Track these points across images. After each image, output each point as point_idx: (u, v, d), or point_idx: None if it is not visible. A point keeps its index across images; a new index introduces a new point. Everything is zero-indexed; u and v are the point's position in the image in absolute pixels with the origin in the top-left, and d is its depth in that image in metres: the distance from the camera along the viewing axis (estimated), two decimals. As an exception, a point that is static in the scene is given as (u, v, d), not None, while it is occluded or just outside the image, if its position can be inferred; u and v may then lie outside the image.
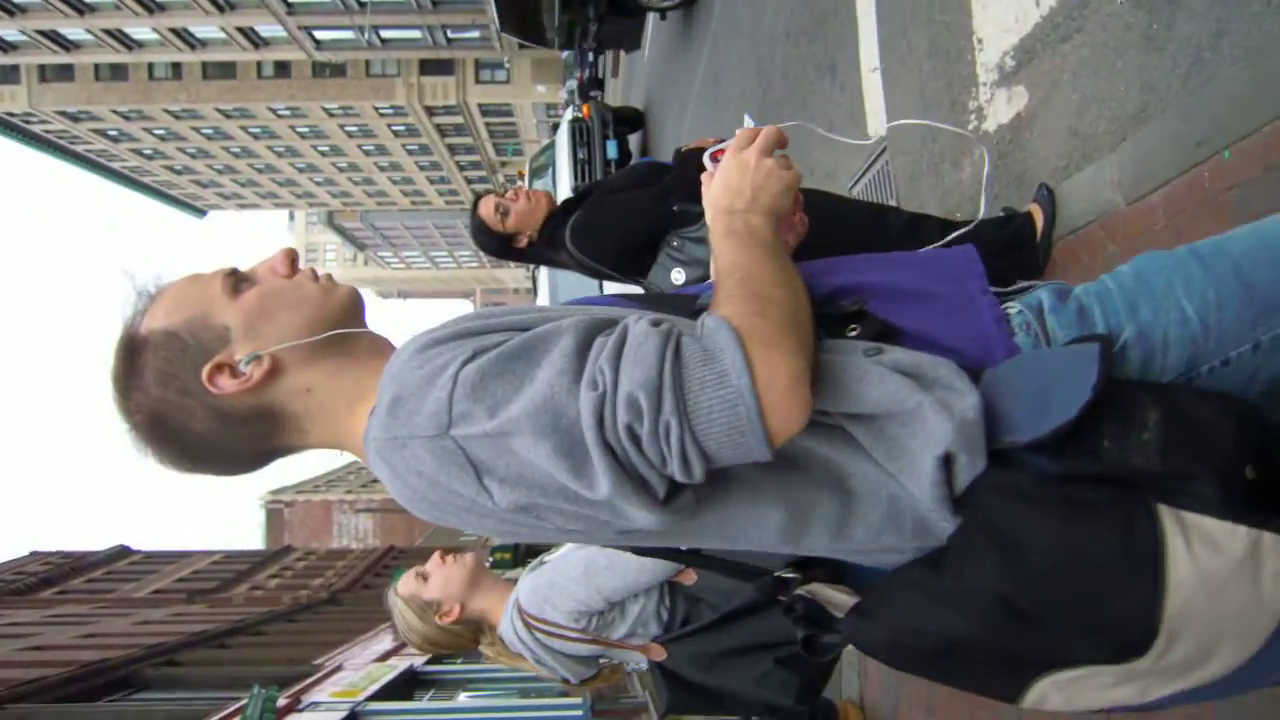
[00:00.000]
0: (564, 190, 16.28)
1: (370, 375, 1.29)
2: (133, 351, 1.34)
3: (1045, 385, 1.18)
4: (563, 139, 16.95)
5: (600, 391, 1.07)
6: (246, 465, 1.42)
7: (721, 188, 1.39)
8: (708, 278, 1.52)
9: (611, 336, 1.13)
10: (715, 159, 1.47)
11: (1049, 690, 1.18)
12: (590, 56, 21.35)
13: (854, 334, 1.31)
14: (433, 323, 1.37)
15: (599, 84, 22.72)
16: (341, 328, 1.36)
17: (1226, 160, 2.62)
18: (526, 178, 18.87)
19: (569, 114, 17.47)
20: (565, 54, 23.05)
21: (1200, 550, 1.06)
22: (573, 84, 23.52)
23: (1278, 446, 1.13)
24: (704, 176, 1.47)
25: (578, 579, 2.50)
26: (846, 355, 1.23)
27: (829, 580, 1.41)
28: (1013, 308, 1.38)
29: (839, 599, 1.36)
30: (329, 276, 1.43)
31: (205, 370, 1.31)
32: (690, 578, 2.51)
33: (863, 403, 1.18)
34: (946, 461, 1.16)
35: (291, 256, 1.43)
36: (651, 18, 16.41)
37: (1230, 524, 1.06)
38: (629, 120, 17.90)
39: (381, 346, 1.40)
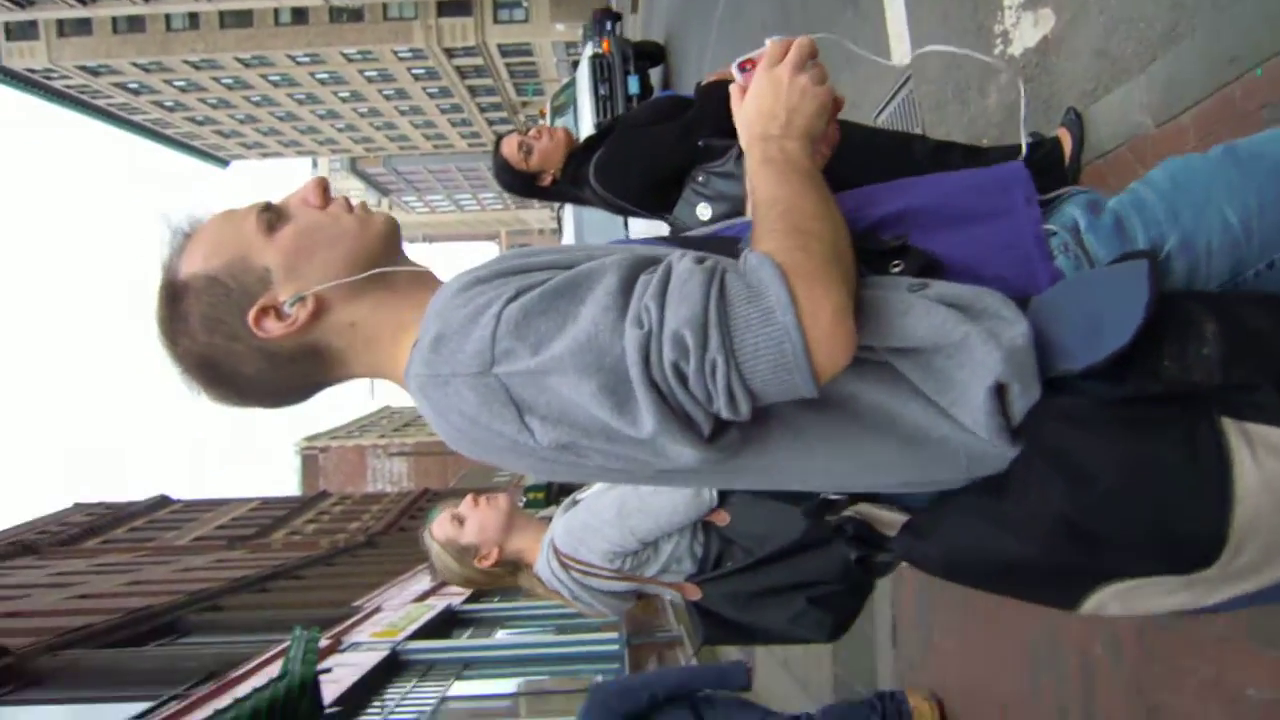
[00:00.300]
0: (586, 127, 16.04)
1: (413, 307, 1.29)
2: (175, 297, 1.33)
3: (1095, 308, 1.16)
4: (583, 76, 16.67)
5: (646, 329, 1.06)
6: (296, 398, 1.43)
7: (754, 110, 1.35)
8: (735, 213, 1.49)
9: (655, 274, 1.12)
10: (744, 68, 1.41)
11: (1107, 599, 1.18)
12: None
13: (897, 269, 1.28)
14: (460, 267, 1.36)
15: (615, 16, 22.32)
16: (380, 259, 1.35)
17: (1259, 77, 2.58)
18: (548, 116, 18.65)
19: (589, 50, 17.15)
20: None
21: (1266, 459, 1.06)
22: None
23: None
24: (733, 89, 1.42)
25: (611, 521, 2.52)
26: (890, 290, 1.20)
27: (873, 501, 1.41)
28: (1050, 229, 1.34)
29: (888, 517, 1.37)
30: (364, 205, 1.42)
31: (251, 314, 1.30)
32: (723, 518, 2.53)
33: (908, 336, 1.15)
34: (999, 392, 1.14)
35: (323, 186, 1.41)
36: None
37: None
38: (650, 55, 17.56)
39: (423, 278, 1.38)
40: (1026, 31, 3.86)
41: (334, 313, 1.33)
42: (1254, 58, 2.58)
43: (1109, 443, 1.11)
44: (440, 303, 1.20)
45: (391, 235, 1.39)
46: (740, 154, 3.57)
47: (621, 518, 2.51)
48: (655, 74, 18.09)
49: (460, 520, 2.72)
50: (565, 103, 17.92)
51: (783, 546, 2.39)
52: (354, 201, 1.41)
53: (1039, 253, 1.31)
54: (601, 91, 16.28)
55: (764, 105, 1.34)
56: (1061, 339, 1.16)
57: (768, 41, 1.38)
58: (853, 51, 1.54)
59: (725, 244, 1.35)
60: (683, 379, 1.06)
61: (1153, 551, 1.12)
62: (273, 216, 1.35)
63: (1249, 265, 1.25)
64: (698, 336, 1.05)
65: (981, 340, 1.13)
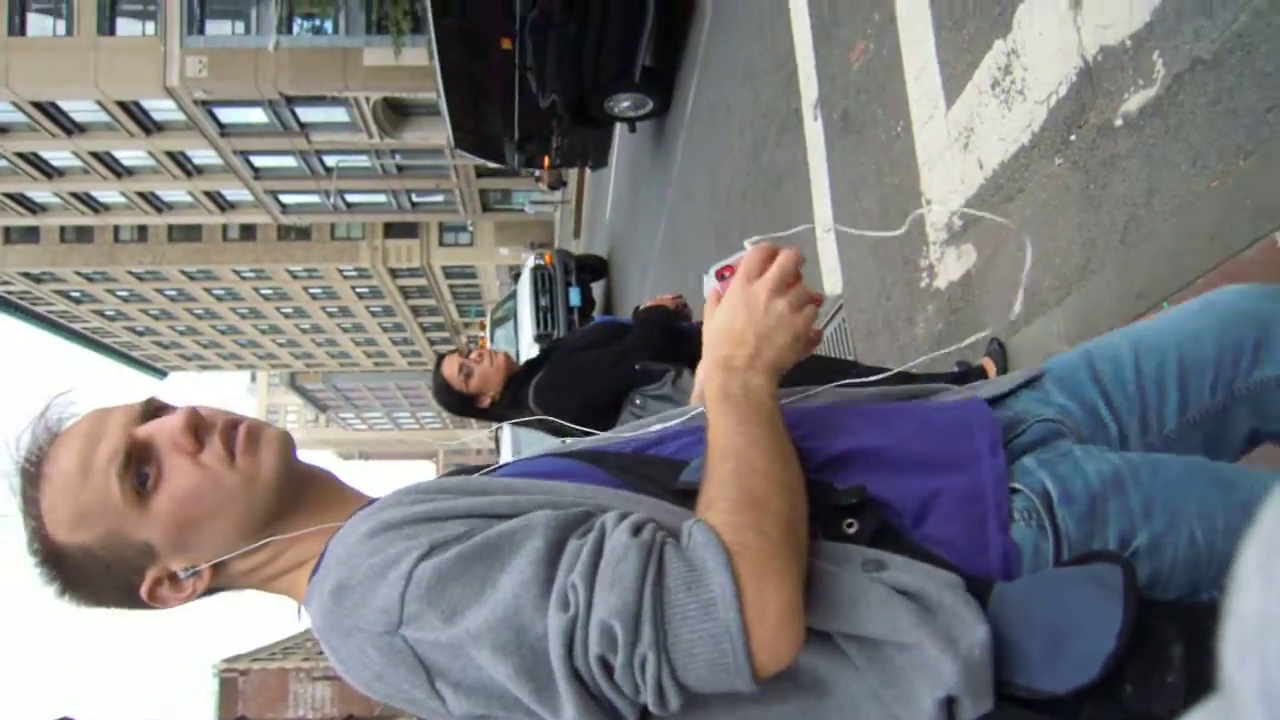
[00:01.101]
0: (526, 338, 16.09)
1: (315, 539, 1.22)
2: (54, 562, 1.22)
3: (1061, 621, 1.06)
4: (525, 287, 16.70)
5: (572, 614, 0.97)
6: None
7: (724, 329, 1.26)
8: None
9: (586, 544, 1.02)
10: (721, 275, 1.31)
11: None
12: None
13: (851, 529, 1.16)
14: (390, 487, 1.29)
15: (561, 183, 22.19)
16: (276, 513, 1.24)
17: (1166, 312, 2.70)
18: (488, 328, 18.50)
19: (531, 261, 17.16)
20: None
21: None
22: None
23: None
24: (709, 294, 1.33)
25: None
26: (843, 568, 1.10)
27: None
28: (1015, 488, 1.24)
29: None
30: (245, 442, 1.24)
31: (144, 590, 1.23)
32: None
33: (859, 626, 1.06)
34: (948, 704, 1.05)
35: (192, 424, 1.22)
36: (619, 130, 15.06)
37: None
38: (591, 268, 17.66)
39: (326, 501, 1.29)
40: (950, 265, 4.04)
41: (231, 566, 1.25)
42: (1160, 294, 2.72)
43: None
44: (345, 548, 1.10)
45: (285, 475, 1.25)
46: (677, 375, 3.67)
47: None
48: (597, 288, 18.19)
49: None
50: (506, 315, 17.93)
51: None
52: (236, 436, 1.24)
53: (996, 519, 1.20)
54: (543, 303, 16.31)
55: (735, 326, 1.25)
56: (1023, 648, 1.06)
57: (747, 245, 1.28)
58: (845, 228, 1.48)
59: (666, 471, 1.25)
60: (608, 671, 0.98)
61: None
62: (138, 474, 1.19)
63: (1204, 588, 1.18)
64: (628, 631, 0.96)
65: (937, 648, 1.03)
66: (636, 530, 1.03)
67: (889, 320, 4.73)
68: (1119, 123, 2.90)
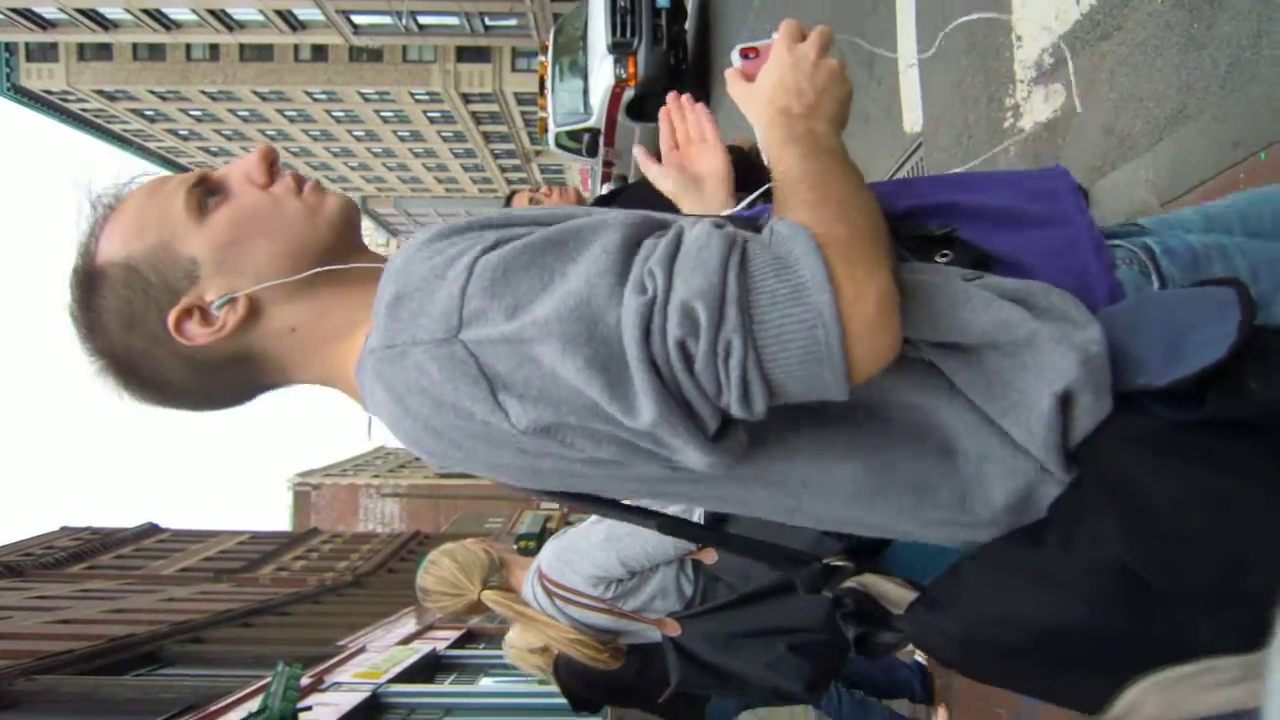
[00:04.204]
0: (598, 52, 14.00)
1: (364, 306, 1.07)
2: (89, 287, 1.16)
3: (1175, 326, 1.01)
4: None
5: (649, 296, 0.89)
6: (231, 403, 1.25)
7: (775, 84, 1.19)
8: None
9: (664, 237, 0.95)
10: (746, 55, 1.28)
11: (1148, 693, 0.98)
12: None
13: (945, 260, 1.13)
14: None
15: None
16: (330, 251, 1.16)
17: (1263, 161, 2.60)
18: (550, 58, 16.16)
19: None
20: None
21: None
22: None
23: None
24: (730, 74, 1.29)
25: (599, 544, 2.51)
26: (941, 277, 1.05)
27: (877, 571, 1.25)
28: (1113, 241, 1.22)
29: (895, 592, 1.20)
30: (316, 185, 1.21)
31: (171, 317, 1.12)
32: (711, 556, 2.51)
33: (965, 331, 1.00)
34: (1064, 402, 0.99)
35: (269, 159, 1.20)
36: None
37: None
38: None
39: (375, 273, 1.13)
40: (1037, 105, 3.90)
41: (270, 315, 1.15)
42: (1258, 142, 2.60)
43: (1183, 472, 0.95)
44: (402, 258, 1.01)
45: (345, 224, 1.20)
46: (752, 204, 3.63)
47: (610, 541, 2.51)
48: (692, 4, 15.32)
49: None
50: (573, 38, 15.30)
51: (767, 585, 2.37)
52: (306, 180, 1.21)
53: (1098, 262, 1.17)
54: (622, 3, 13.44)
55: (787, 81, 1.19)
56: (1138, 350, 1.01)
57: (774, 35, 1.26)
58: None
59: (744, 223, 1.14)
60: (688, 361, 0.89)
61: (1220, 610, 0.93)
62: (206, 192, 1.16)
63: None
64: (712, 311, 0.88)
65: (1053, 340, 0.99)
66: (718, 225, 0.97)
67: (967, 160, 4.60)
68: (1230, -44, 2.72)
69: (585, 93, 15.08)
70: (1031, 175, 1.31)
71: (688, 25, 14.87)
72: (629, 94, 13.95)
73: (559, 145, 16.39)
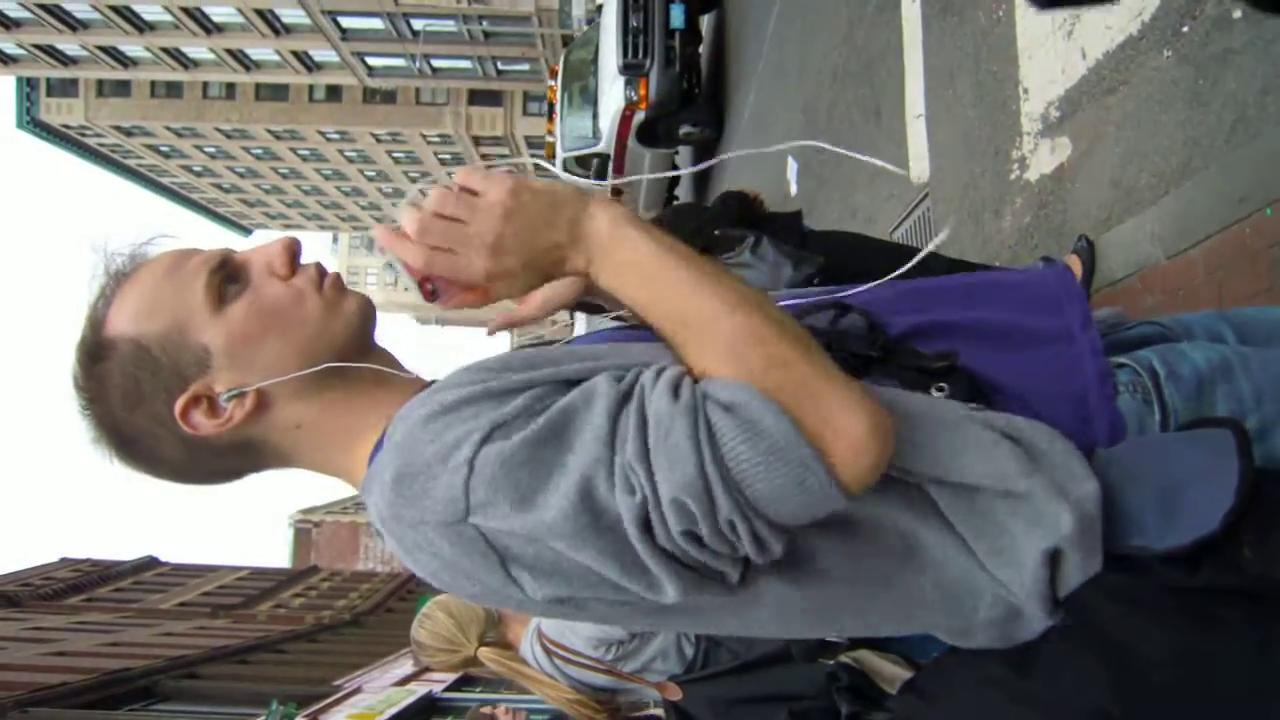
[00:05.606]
0: (609, 72, 13.70)
1: (372, 410, 1.12)
2: (96, 356, 1.14)
3: (1174, 479, 1.01)
4: (611, 6, 13.65)
5: (640, 498, 0.91)
6: (221, 482, 1.25)
7: (524, 229, 1.04)
8: None
9: (631, 414, 0.94)
10: (430, 292, 1.09)
11: None
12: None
13: (941, 395, 1.12)
14: (460, 361, 1.16)
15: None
16: (343, 353, 1.15)
17: (1269, 217, 2.61)
18: (559, 83, 15.94)
19: None
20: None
21: None
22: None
23: None
24: (469, 297, 1.10)
25: None
26: (947, 413, 1.05)
27: (874, 646, 1.25)
28: (1121, 365, 1.18)
29: (888, 670, 1.22)
30: (336, 281, 1.19)
31: (179, 405, 1.12)
32: None
33: (963, 473, 1.00)
34: (1053, 557, 1.00)
35: (292, 251, 1.18)
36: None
37: None
38: None
39: (388, 377, 1.18)
40: (1044, 158, 3.92)
41: (277, 409, 1.14)
42: (1264, 198, 2.62)
43: (1171, 635, 0.96)
44: (402, 433, 1.01)
45: (362, 325, 1.19)
46: (755, 243, 3.66)
47: None
48: (707, 21, 14.95)
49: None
50: (583, 60, 14.91)
51: (769, 653, 2.35)
52: (328, 274, 1.19)
53: (1099, 390, 1.14)
54: (634, 23, 12.97)
55: (520, 236, 1.04)
56: (1134, 509, 1.01)
57: (423, 191, 1.12)
58: (869, 165, 1.45)
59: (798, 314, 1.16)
60: (698, 541, 0.92)
61: None
62: (225, 279, 1.15)
63: None
64: (702, 504, 0.89)
65: (1048, 496, 0.99)
66: (675, 390, 0.94)
67: (975, 211, 4.62)
68: (1237, 14, 2.75)
69: (594, 117, 14.73)
70: (1033, 280, 1.29)
71: (702, 49, 14.72)
72: (640, 117, 13.69)
73: (566, 172, 16.04)
